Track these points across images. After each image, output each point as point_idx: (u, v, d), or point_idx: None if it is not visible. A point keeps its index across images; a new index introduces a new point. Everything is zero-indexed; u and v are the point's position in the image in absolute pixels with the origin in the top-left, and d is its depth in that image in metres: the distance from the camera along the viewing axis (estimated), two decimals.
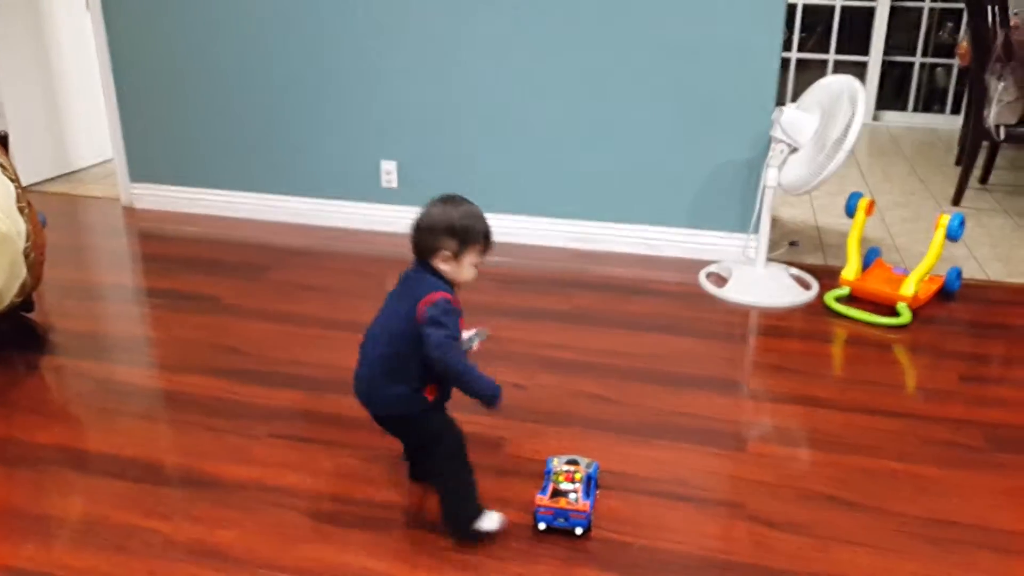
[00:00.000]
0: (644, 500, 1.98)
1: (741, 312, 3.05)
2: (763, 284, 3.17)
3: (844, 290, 3.11)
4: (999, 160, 4.68)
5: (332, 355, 2.64)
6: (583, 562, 1.77)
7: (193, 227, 3.91)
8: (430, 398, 1.79)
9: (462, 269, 1.78)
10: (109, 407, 2.37)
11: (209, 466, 2.08)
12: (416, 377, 1.76)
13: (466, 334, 1.87)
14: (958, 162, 5.00)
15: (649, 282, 3.31)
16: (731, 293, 3.14)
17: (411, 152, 3.72)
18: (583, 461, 1.99)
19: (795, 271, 3.31)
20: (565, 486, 1.90)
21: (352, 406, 2.32)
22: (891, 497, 1.99)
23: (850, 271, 3.12)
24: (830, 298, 3.06)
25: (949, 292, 3.15)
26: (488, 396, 1.73)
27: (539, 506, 1.86)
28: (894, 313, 2.96)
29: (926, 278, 3.06)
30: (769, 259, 3.31)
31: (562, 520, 1.85)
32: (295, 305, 3.03)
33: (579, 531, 1.85)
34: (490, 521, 1.81)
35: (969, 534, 1.88)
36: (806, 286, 3.21)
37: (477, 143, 3.63)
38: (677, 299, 3.14)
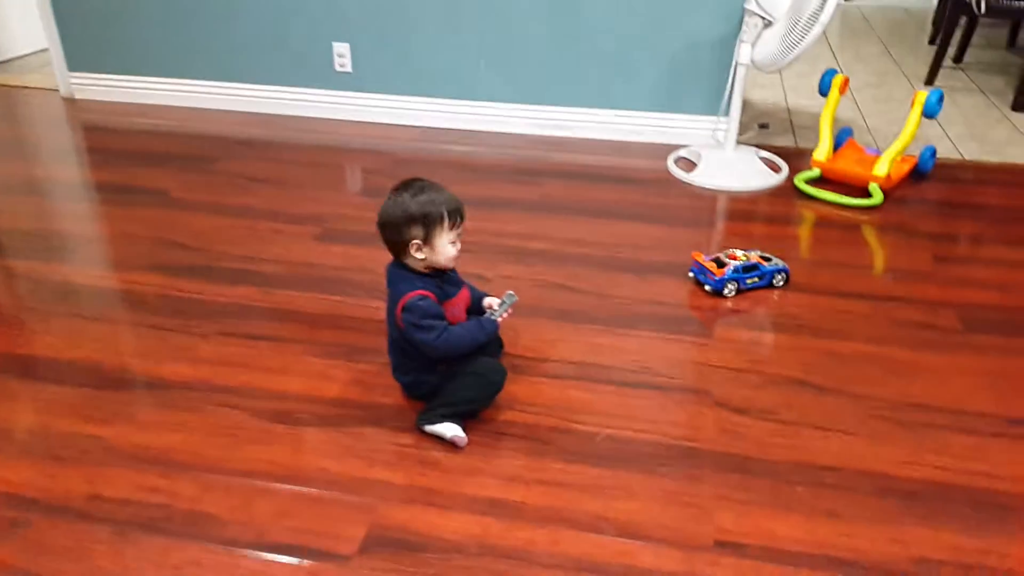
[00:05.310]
0: (609, 389, 1.92)
1: (710, 197, 2.96)
2: (732, 168, 3.08)
3: (815, 172, 3.01)
4: (975, 38, 4.55)
5: (287, 250, 2.53)
6: (548, 453, 1.71)
7: (138, 118, 3.72)
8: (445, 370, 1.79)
9: (437, 252, 1.72)
10: (49, 308, 2.25)
11: (154, 367, 1.99)
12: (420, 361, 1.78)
13: (494, 303, 1.84)
14: (932, 41, 4.88)
15: (617, 169, 3.19)
16: (700, 178, 3.04)
17: (365, 34, 3.51)
18: (771, 258, 2.33)
19: (765, 154, 3.21)
20: (725, 259, 2.29)
21: (307, 301, 2.25)
22: (861, 381, 1.95)
23: (821, 152, 3.02)
24: (800, 180, 2.97)
25: (922, 172, 3.07)
26: (489, 337, 1.80)
27: (695, 259, 2.31)
28: (866, 194, 2.88)
29: (899, 158, 2.97)
30: (739, 142, 3.21)
31: (701, 276, 2.30)
32: (247, 198, 2.89)
33: (707, 288, 2.28)
34: (457, 433, 1.73)
35: (942, 417, 1.83)
36: (776, 169, 3.11)
37: (434, 24, 3.43)
38: (646, 185, 3.04)
